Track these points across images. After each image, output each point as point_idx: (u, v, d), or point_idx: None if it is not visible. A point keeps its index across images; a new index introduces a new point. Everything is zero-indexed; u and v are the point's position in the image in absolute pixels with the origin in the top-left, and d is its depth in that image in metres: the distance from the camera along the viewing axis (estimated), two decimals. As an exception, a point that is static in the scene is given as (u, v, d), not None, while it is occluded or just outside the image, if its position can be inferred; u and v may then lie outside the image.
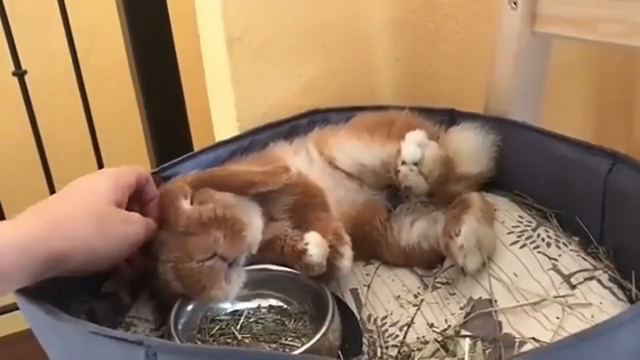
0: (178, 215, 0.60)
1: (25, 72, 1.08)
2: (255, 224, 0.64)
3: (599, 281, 0.59)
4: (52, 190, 1.16)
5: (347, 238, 0.64)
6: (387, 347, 0.59)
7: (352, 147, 0.75)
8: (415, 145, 0.67)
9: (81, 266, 0.53)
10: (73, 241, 0.52)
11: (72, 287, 0.56)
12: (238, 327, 0.61)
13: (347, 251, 0.62)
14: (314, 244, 0.61)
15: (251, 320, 0.62)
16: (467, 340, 0.56)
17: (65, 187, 0.59)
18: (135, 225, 0.58)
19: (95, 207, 0.55)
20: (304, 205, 0.68)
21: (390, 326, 0.62)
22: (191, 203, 0.62)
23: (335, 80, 0.91)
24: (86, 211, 0.54)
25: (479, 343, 0.56)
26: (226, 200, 0.62)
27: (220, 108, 0.91)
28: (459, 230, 0.62)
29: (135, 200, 0.63)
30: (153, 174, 0.70)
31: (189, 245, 0.57)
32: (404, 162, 0.66)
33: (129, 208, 0.60)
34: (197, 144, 1.10)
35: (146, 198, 0.64)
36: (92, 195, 0.56)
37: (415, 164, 0.66)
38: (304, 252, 0.61)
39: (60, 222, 0.52)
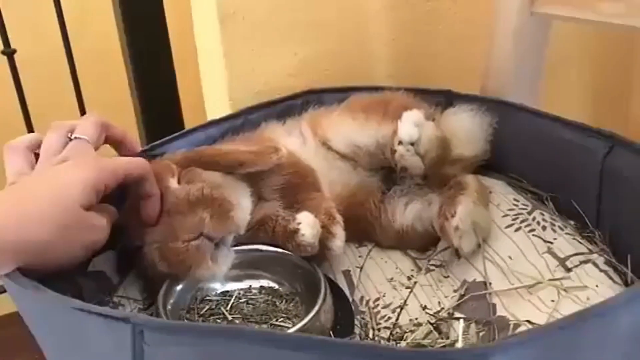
0: (165, 194, 0.58)
1: (14, 51, 1.06)
2: (244, 204, 0.63)
3: (595, 264, 0.59)
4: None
5: (339, 218, 0.63)
6: (379, 329, 0.58)
7: (347, 128, 0.73)
8: (412, 125, 0.65)
9: (27, 266, 0.50)
10: (27, 244, 0.49)
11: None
12: (228, 307, 0.60)
13: (339, 231, 0.61)
14: (306, 224, 0.60)
15: (242, 300, 0.61)
16: (461, 322, 0.55)
17: (40, 173, 0.56)
18: (98, 232, 0.55)
19: (63, 211, 0.51)
20: (295, 186, 0.67)
21: (382, 308, 0.61)
22: (179, 182, 0.60)
23: (331, 60, 0.90)
24: (52, 214, 0.50)
25: (473, 325, 0.55)
26: (214, 180, 0.61)
27: (212, 86, 0.89)
28: (455, 211, 0.61)
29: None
30: (143, 151, 0.69)
31: (175, 225, 0.56)
32: (400, 142, 0.65)
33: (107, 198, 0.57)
34: (189, 123, 1.09)
35: (143, 193, 0.59)
36: (64, 195, 0.52)
37: (412, 144, 0.65)
38: (296, 232, 0.60)
39: (22, 219, 0.49)
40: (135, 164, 0.58)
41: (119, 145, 0.66)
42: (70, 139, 0.60)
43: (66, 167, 0.55)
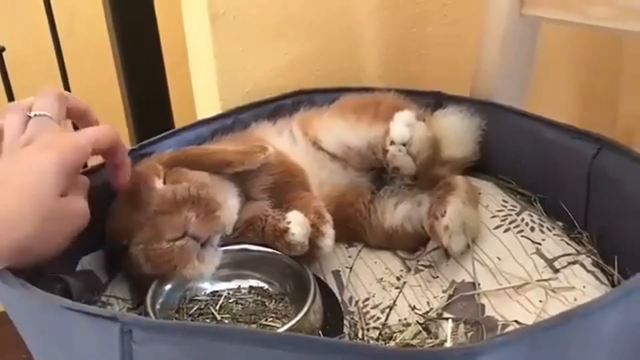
0: (150, 195, 0.58)
1: (3, 48, 1.06)
2: (230, 204, 0.63)
3: (582, 265, 0.59)
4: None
5: (328, 217, 0.63)
6: (368, 329, 0.59)
7: (338, 129, 0.74)
8: (404, 125, 0.66)
9: (15, 264, 0.49)
10: (11, 244, 0.48)
11: (46, 265, 0.55)
12: (217, 307, 0.59)
13: (329, 230, 0.61)
14: (296, 223, 0.60)
15: (231, 300, 0.61)
16: (450, 322, 0.55)
17: (8, 160, 0.53)
18: (80, 217, 0.53)
19: (39, 203, 0.49)
20: (284, 185, 0.67)
21: (372, 308, 0.61)
22: (164, 182, 0.60)
23: (322, 61, 0.90)
24: (28, 208, 0.48)
25: (461, 325, 0.55)
26: (200, 180, 0.61)
27: (202, 86, 0.89)
28: (445, 211, 0.62)
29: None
30: (132, 151, 0.69)
31: (160, 225, 0.56)
32: (392, 142, 0.66)
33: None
34: (179, 122, 1.08)
35: (115, 162, 0.58)
36: (36, 185, 0.49)
37: (404, 144, 0.65)
38: (285, 231, 0.60)
39: (2, 220, 0.47)
40: (103, 133, 0.56)
41: (82, 118, 0.62)
42: (30, 117, 0.56)
43: (35, 152, 0.52)
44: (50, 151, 0.51)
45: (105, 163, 0.59)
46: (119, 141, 0.57)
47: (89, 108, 0.62)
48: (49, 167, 0.50)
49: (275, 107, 0.83)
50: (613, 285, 0.57)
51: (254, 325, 0.57)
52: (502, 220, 0.66)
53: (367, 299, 0.63)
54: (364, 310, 0.61)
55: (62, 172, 0.51)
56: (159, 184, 0.60)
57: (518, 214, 0.67)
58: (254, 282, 0.63)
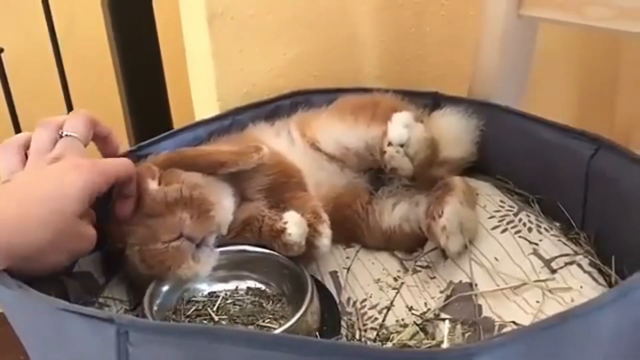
0: (145, 197, 0.58)
1: (2, 49, 1.06)
2: (225, 204, 0.63)
3: (580, 266, 0.59)
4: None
5: (325, 216, 0.63)
6: (365, 330, 0.59)
7: (336, 130, 0.74)
8: (402, 126, 0.66)
9: (15, 268, 0.49)
10: (20, 246, 0.48)
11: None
12: (215, 308, 0.59)
13: (326, 230, 0.61)
14: (293, 223, 0.60)
15: (228, 301, 0.61)
16: (447, 323, 0.55)
17: (35, 171, 0.55)
18: (88, 241, 0.55)
19: (60, 218, 0.51)
20: (280, 185, 0.67)
21: (369, 309, 0.61)
22: (159, 184, 0.60)
23: (320, 61, 0.90)
24: (50, 219, 0.50)
25: (459, 326, 0.55)
26: (193, 180, 0.61)
27: (200, 86, 0.89)
28: (442, 212, 0.62)
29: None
30: (130, 152, 0.69)
31: (155, 227, 0.56)
32: (390, 143, 0.66)
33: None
34: (177, 123, 1.08)
35: (125, 194, 0.59)
36: (62, 201, 0.51)
37: (402, 145, 0.65)
38: (282, 231, 0.60)
39: (21, 220, 0.48)
40: (123, 166, 0.58)
41: (104, 142, 0.65)
42: (61, 136, 0.59)
43: (63, 168, 0.54)
44: (80, 171, 0.53)
45: (114, 192, 0.60)
46: (134, 174, 0.59)
47: (112, 132, 0.65)
48: (74, 186, 0.52)
49: (273, 108, 0.83)
50: (610, 285, 0.57)
51: (252, 327, 0.57)
52: (500, 221, 0.66)
53: (364, 300, 0.63)
54: (362, 311, 0.61)
55: (84, 193, 0.52)
56: (153, 185, 0.60)
57: (515, 215, 0.67)
58: (252, 283, 0.62)
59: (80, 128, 0.60)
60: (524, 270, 0.59)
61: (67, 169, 0.54)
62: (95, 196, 0.54)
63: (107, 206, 0.60)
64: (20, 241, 0.49)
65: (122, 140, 1.12)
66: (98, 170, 0.54)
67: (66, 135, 0.59)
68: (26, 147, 0.60)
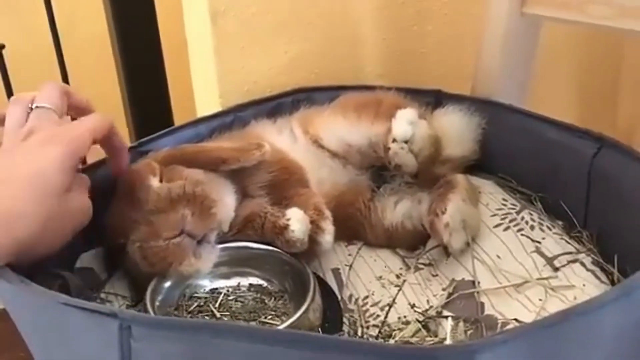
0: (146, 193, 0.58)
1: (3, 45, 1.06)
2: (227, 201, 0.63)
3: (582, 264, 0.59)
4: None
5: (327, 213, 0.63)
6: (367, 327, 0.58)
7: (339, 127, 0.74)
8: (406, 123, 0.66)
9: (17, 261, 0.48)
10: (15, 242, 0.47)
11: (45, 261, 0.55)
12: (217, 304, 0.59)
13: (329, 226, 0.61)
14: (296, 220, 0.59)
15: (230, 298, 0.60)
16: (449, 320, 0.55)
17: (10, 152, 0.53)
18: (84, 212, 0.53)
19: (44, 202, 0.48)
20: (282, 182, 0.67)
21: (371, 306, 0.61)
22: (160, 180, 0.60)
23: (321, 59, 0.90)
24: (32, 206, 0.48)
25: (461, 324, 0.55)
26: (195, 177, 0.61)
27: (202, 83, 0.89)
28: (445, 209, 0.61)
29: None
30: (131, 148, 0.69)
31: (157, 224, 0.56)
32: (394, 140, 0.66)
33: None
34: (178, 120, 1.08)
35: (112, 149, 0.58)
36: (40, 181, 0.49)
37: (406, 141, 0.65)
38: (285, 227, 0.59)
39: (7, 218, 0.47)
40: (98, 120, 0.56)
41: (82, 114, 0.62)
42: (32, 109, 0.57)
43: (37, 147, 0.52)
44: (53, 146, 0.51)
45: (105, 151, 0.59)
46: (114, 127, 0.58)
47: (90, 104, 0.62)
48: (54, 164, 0.50)
49: (275, 105, 0.83)
50: (613, 283, 0.57)
51: (254, 323, 0.57)
52: (502, 219, 0.66)
53: (366, 297, 0.63)
54: (364, 308, 0.61)
55: (66, 166, 0.51)
56: (155, 182, 0.59)
57: (518, 213, 0.67)
58: (254, 280, 0.62)
59: (53, 99, 0.57)
60: (526, 268, 0.59)
61: (40, 147, 0.51)
62: (78, 162, 0.52)
63: (108, 201, 0.60)
64: (14, 237, 0.47)
65: (123, 136, 1.12)
66: (73, 135, 0.52)
67: (37, 107, 0.56)
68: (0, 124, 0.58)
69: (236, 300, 0.60)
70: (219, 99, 0.86)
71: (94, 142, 0.56)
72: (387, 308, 0.60)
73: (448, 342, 0.53)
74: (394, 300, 0.61)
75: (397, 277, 0.65)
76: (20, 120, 0.56)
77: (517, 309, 0.55)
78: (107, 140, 0.58)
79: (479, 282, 0.59)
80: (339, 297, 0.62)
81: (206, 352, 0.40)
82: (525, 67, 0.81)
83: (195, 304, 0.59)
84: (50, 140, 0.52)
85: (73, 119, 0.62)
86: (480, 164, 0.77)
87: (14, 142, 0.54)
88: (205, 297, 0.60)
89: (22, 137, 0.54)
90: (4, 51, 1.06)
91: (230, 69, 0.85)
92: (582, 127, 0.66)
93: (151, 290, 0.57)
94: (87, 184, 0.56)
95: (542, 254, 0.61)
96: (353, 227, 0.71)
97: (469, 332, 0.54)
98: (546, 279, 0.57)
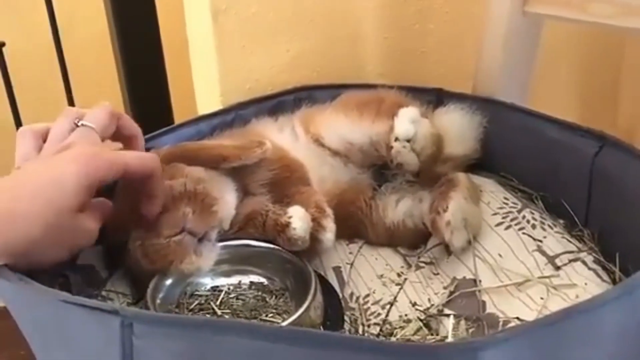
0: None
1: (3, 43, 1.06)
2: (228, 199, 0.62)
3: (584, 263, 0.59)
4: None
5: (329, 211, 0.62)
6: (369, 325, 0.58)
7: (341, 125, 0.73)
8: (409, 121, 0.66)
9: (12, 263, 0.48)
10: (15, 243, 0.47)
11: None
12: (218, 302, 0.59)
13: (330, 224, 0.61)
14: (298, 217, 0.59)
15: (231, 296, 0.60)
16: (451, 318, 0.55)
17: (40, 162, 0.54)
18: (87, 236, 0.53)
19: (55, 214, 0.49)
20: (283, 180, 0.67)
21: (372, 304, 0.61)
22: None
23: (323, 57, 0.90)
24: (45, 215, 0.48)
25: (462, 322, 0.55)
26: (197, 175, 0.61)
27: (203, 81, 0.89)
28: (447, 207, 0.61)
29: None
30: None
31: (158, 222, 0.56)
32: (397, 139, 0.66)
33: None
34: (179, 118, 1.08)
35: (146, 192, 0.56)
36: (51, 189, 0.49)
37: (408, 140, 0.65)
38: (287, 225, 0.59)
39: (14, 218, 0.47)
40: (141, 160, 0.54)
41: (129, 141, 0.63)
42: (77, 126, 0.58)
43: (61, 162, 0.51)
44: (74, 162, 0.50)
45: (140, 191, 0.57)
46: (156, 173, 0.55)
47: (140, 134, 0.63)
48: (72, 178, 0.50)
49: (277, 103, 0.83)
50: (614, 282, 0.57)
51: (254, 321, 0.57)
52: (504, 218, 0.66)
53: (367, 295, 0.63)
54: (365, 306, 0.61)
55: (82, 185, 0.50)
56: None
57: (519, 211, 0.67)
58: (255, 278, 0.62)
59: (100, 120, 0.58)
60: (527, 266, 0.59)
61: (62, 163, 0.51)
62: (95, 184, 0.51)
63: (109, 199, 0.60)
64: (15, 238, 0.48)
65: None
66: (100, 160, 0.51)
67: (82, 124, 0.58)
68: (45, 134, 0.58)
69: (237, 298, 0.60)
70: (220, 98, 0.85)
71: (127, 177, 0.54)
72: (388, 306, 0.60)
73: (450, 340, 0.53)
74: (395, 298, 0.61)
75: (399, 275, 0.65)
76: (63, 133, 0.57)
77: (518, 307, 0.55)
78: (142, 182, 0.55)
79: (480, 281, 0.59)
80: (340, 296, 0.62)
81: (207, 349, 0.40)
82: (526, 66, 0.81)
83: (196, 302, 0.59)
84: (76, 157, 0.51)
85: (126, 147, 0.63)
86: (481, 163, 0.77)
87: (49, 153, 0.56)
88: (206, 295, 0.60)
89: (58, 151, 0.55)
90: (4, 49, 1.06)
91: (232, 67, 0.85)
92: (583, 125, 0.66)
93: (152, 288, 0.57)
94: (105, 209, 0.56)
95: (543, 253, 0.60)
96: (354, 226, 0.71)
97: (470, 331, 0.54)
98: (548, 277, 0.57)
